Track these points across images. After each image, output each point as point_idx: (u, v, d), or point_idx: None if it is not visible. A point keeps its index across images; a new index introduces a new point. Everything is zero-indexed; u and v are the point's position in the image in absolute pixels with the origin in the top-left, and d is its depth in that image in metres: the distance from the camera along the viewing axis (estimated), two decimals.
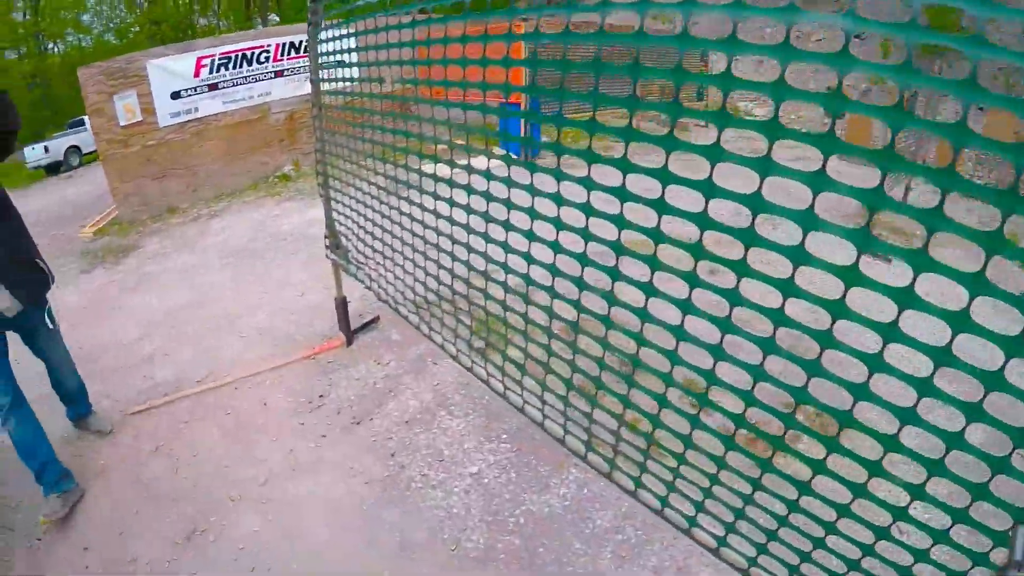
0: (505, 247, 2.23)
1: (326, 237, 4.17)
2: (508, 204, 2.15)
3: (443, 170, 2.52)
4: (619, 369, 2.01)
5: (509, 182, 2.10)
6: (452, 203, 2.49)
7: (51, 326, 3.44)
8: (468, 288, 2.59)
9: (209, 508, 3.20)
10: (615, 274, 1.81)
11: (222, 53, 10.12)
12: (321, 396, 4.04)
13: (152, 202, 10.19)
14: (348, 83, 3.44)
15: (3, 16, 31.70)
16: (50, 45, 35.36)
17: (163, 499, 3.32)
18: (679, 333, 1.66)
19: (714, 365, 1.59)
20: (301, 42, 10.62)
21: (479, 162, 2.29)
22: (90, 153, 18.75)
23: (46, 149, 21.65)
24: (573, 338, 2.08)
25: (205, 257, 7.53)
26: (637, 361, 1.83)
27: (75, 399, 3.89)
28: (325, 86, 3.68)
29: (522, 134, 7.90)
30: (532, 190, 2.00)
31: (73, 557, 3.04)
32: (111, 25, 35.78)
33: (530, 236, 2.09)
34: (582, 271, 1.91)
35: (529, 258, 2.12)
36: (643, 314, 1.75)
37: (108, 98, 9.48)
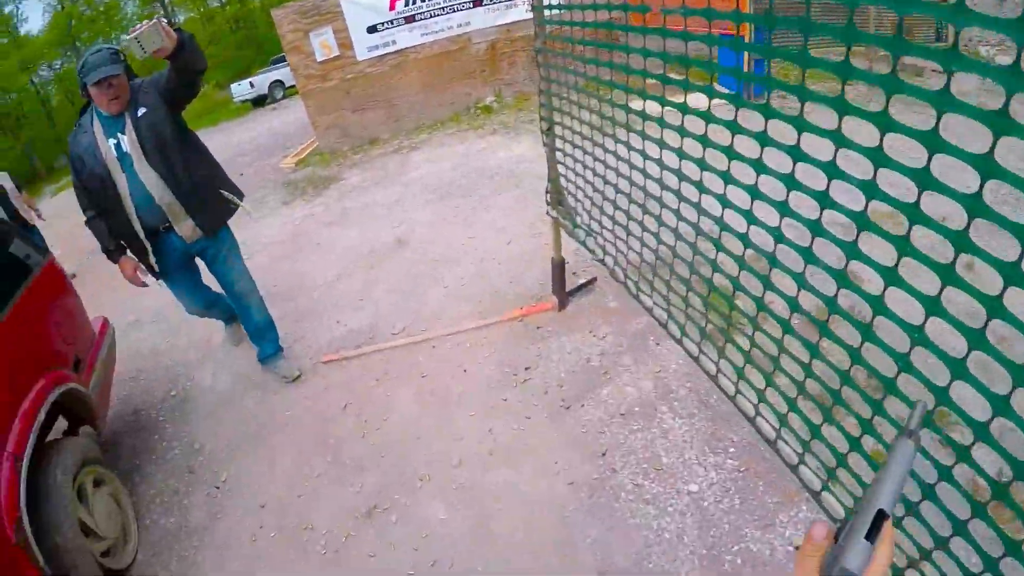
0: (749, 217, 1.99)
1: (547, 192, 3.96)
2: (758, 167, 1.89)
3: (674, 116, 2.29)
4: (865, 388, 1.70)
5: (764, 139, 1.84)
6: (682, 155, 2.30)
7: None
8: (694, 255, 2.38)
9: (395, 483, 3.22)
10: (894, 277, 1.45)
11: None
12: (527, 369, 3.84)
13: (353, 134, 11.00)
14: (578, 11, 3.04)
15: None
16: None
17: (348, 465, 3.41)
18: (957, 367, 1.32)
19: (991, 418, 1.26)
20: None
21: (722, 109, 2.04)
22: (293, 86, 20.60)
23: (251, 85, 25.31)
24: (816, 340, 1.81)
25: (407, 192, 7.76)
26: (892, 385, 1.53)
27: (264, 336, 4.17)
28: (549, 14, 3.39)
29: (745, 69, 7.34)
30: (797, 153, 1.72)
31: (248, 513, 3.27)
32: None
33: (783, 210, 1.83)
34: (846, 264, 1.61)
35: (779, 235, 1.87)
36: (919, 335, 1.42)
37: (304, 36, 10.39)
